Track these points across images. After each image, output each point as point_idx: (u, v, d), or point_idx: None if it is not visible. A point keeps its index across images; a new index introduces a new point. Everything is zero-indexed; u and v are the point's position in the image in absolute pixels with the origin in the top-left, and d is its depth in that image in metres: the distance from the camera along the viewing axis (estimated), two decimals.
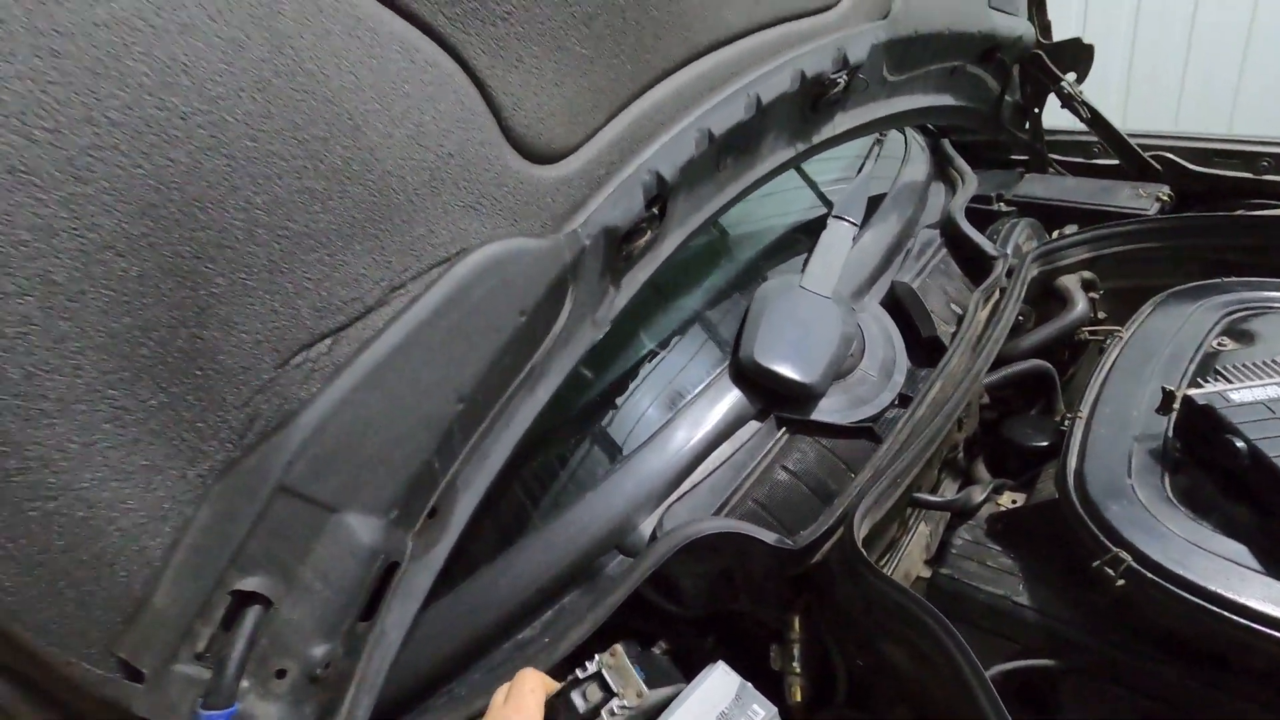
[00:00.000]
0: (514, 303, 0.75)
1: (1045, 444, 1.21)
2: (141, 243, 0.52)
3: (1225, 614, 0.75)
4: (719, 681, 0.91)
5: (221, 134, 0.55)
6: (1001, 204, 1.68)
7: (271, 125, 0.58)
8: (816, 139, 1.25)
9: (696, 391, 1.10)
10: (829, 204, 1.47)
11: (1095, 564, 0.84)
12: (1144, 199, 1.55)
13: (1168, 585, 0.79)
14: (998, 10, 1.47)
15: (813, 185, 1.57)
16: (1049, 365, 1.28)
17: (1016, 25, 1.53)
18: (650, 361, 1.17)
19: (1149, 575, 0.80)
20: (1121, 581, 0.82)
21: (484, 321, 0.72)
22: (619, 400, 1.11)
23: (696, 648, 1.05)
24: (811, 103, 1.17)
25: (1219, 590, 0.76)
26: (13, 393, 0.46)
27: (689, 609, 1.03)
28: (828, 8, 1.18)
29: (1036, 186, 1.69)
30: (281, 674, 0.58)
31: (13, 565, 0.46)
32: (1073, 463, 0.96)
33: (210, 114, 0.54)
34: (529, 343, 0.80)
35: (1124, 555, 0.82)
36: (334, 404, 0.61)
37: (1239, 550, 0.80)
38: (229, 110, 0.55)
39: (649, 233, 0.93)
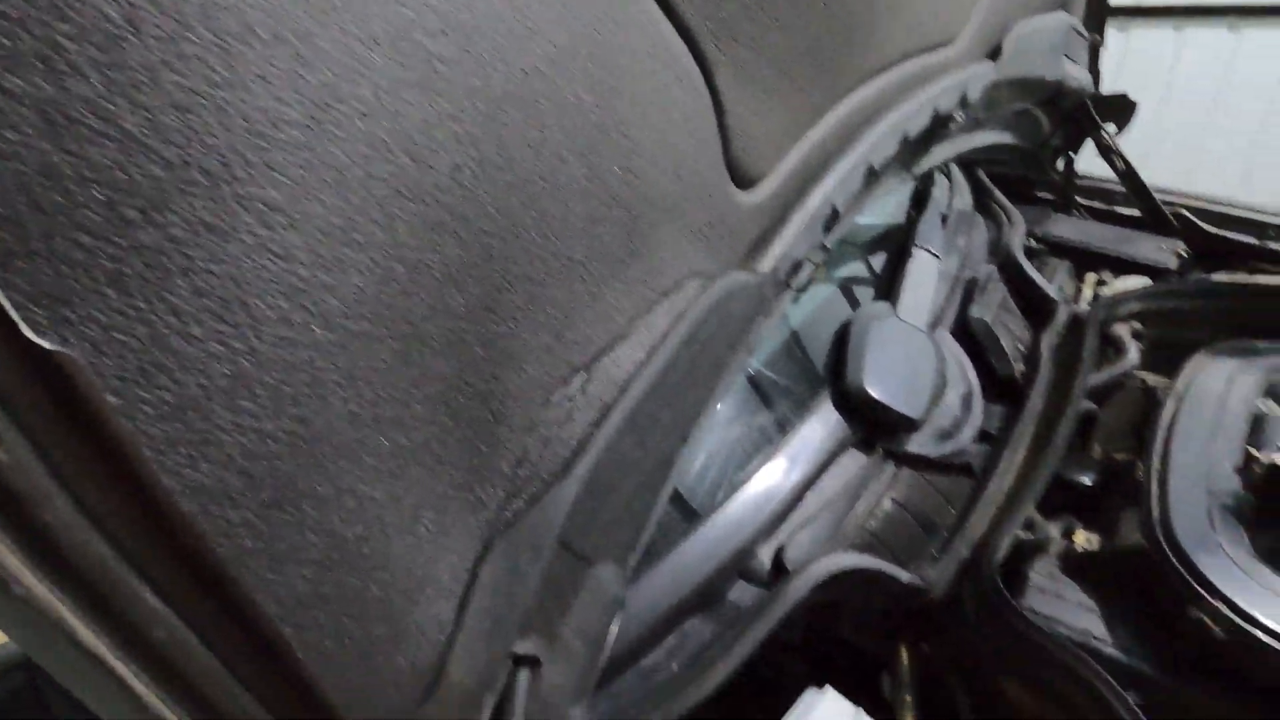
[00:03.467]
0: (730, 337, 0.72)
1: (1092, 481, 1.30)
2: (471, 274, 0.45)
3: None
4: (831, 707, 0.94)
5: (541, 152, 0.49)
6: (1032, 240, 1.76)
7: (575, 144, 0.52)
8: (917, 169, 1.26)
9: (801, 418, 1.10)
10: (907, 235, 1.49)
11: (1193, 612, 0.91)
12: (1165, 253, 1.67)
13: (1264, 637, 0.87)
14: (1068, 58, 1.53)
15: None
16: (1095, 407, 1.37)
17: (1080, 75, 1.59)
18: (755, 384, 1.16)
19: (1248, 628, 0.88)
20: (1222, 634, 0.89)
21: (710, 357, 0.69)
22: (729, 423, 1.09)
23: (789, 667, 1.07)
24: (929, 138, 1.18)
25: None
26: (367, 452, 0.39)
27: (790, 634, 1.04)
28: (949, 42, 1.18)
29: (1066, 229, 1.78)
30: None
31: (345, 650, 0.40)
32: (1156, 512, 1.04)
33: (537, 131, 0.48)
34: (719, 380, 0.78)
35: (1225, 611, 0.90)
36: (601, 451, 0.57)
37: None
38: (550, 126, 0.49)
39: (817, 265, 0.91)
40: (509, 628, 0.51)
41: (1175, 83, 3.15)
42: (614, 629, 0.67)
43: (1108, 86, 1.80)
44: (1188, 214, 1.72)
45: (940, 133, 1.18)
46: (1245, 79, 3.08)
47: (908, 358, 1.16)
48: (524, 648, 0.52)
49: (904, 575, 0.92)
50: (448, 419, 0.45)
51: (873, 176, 0.95)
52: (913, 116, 1.03)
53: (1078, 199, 1.88)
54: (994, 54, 1.28)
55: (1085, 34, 1.59)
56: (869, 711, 0.91)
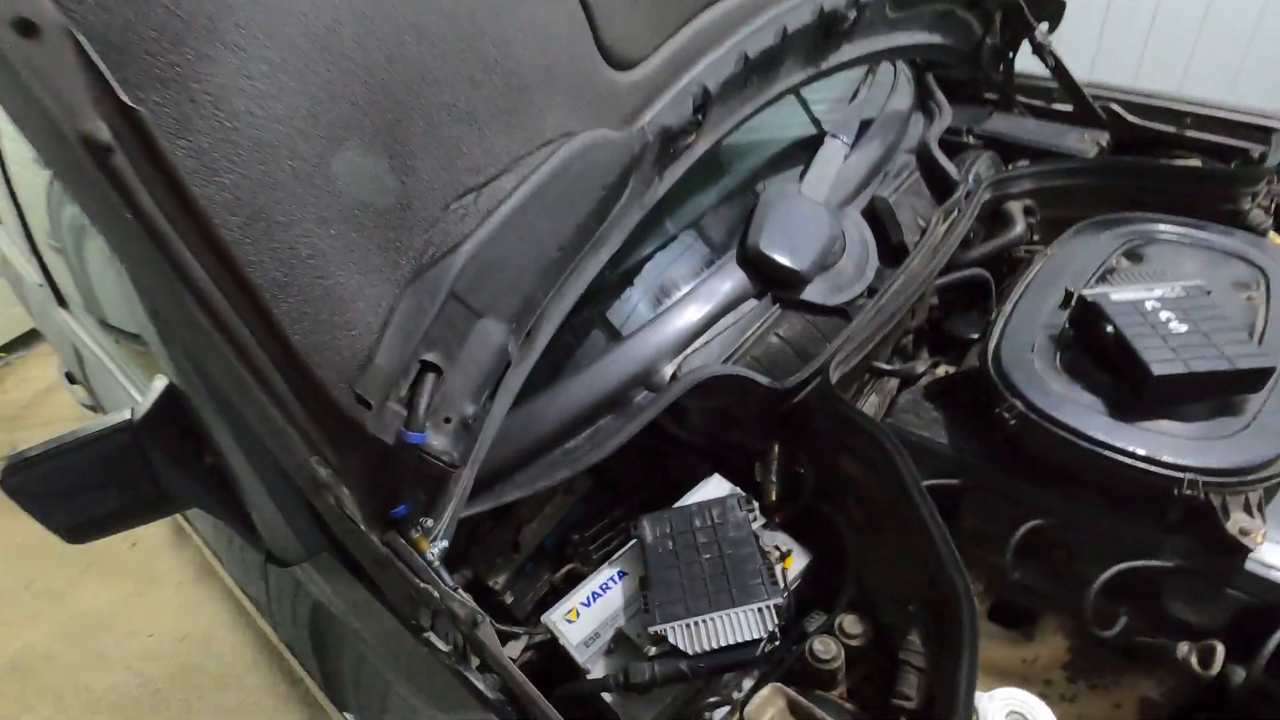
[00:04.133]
0: (598, 179, 0.98)
1: (975, 335, 1.52)
2: (375, 108, 0.73)
3: (1080, 442, 1.07)
4: (715, 486, 1.23)
5: (424, 30, 0.76)
6: (970, 137, 1.93)
7: (453, 26, 0.79)
8: (824, 65, 1.47)
9: (711, 270, 1.36)
10: (819, 124, 1.70)
11: (996, 410, 1.16)
12: (1086, 144, 1.82)
13: (1043, 423, 1.11)
14: None
15: (806, 107, 1.79)
16: (988, 274, 1.58)
17: None
18: (676, 243, 1.42)
19: (1032, 416, 1.12)
20: (1014, 421, 1.14)
21: (578, 191, 0.96)
22: (650, 271, 1.36)
23: (696, 467, 1.36)
24: (825, 33, 1.38)
25: (1076, 425, 1.08)
26: (309, 203, 0.69)
27: (693, 436, 1.33)
28: None
29: (1001, 124, 1.94)
30: (447, 420, 0.84)
31: (305, 321, 0.71)
32: (993, 343, 1.27)
33: (417, 15, 0.75)
34: (601, 213, 1.04)
35: (1016, 403, 1.14)
36: (484, 238, 0.85)
37: (1096, 402, 1.12)
38: (431, 11, 0.76)
39: (692, 135, 1.16)
40: (416, 342, 0.80)
41: None
42: (513, 376, 0.97)
43: None
44: (1116, 107, 1.86)
45: (836, 29, 1.38)
46: None
47: (803, 225, 1.40)
48: (430, 357, 0.82)
49: (764, 380, 1.19)
50: (365, 198, 0.74)
51: (748, 63, 1.18)
52: (792, 11, 1.24)
53: (1020, 98, 2.02)
54: None
55: None
56: (745, 490, 1.21)
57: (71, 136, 0.53)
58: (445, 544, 0.89)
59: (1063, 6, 1.83)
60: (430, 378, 0.82)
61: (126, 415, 1.07)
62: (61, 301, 2.07)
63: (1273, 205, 1.56)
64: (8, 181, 1.95)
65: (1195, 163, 1.68)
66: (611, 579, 1.13)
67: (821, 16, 1.30)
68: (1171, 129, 1.80)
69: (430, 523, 0.87)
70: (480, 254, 0.85)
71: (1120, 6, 3.15)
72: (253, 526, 1.19)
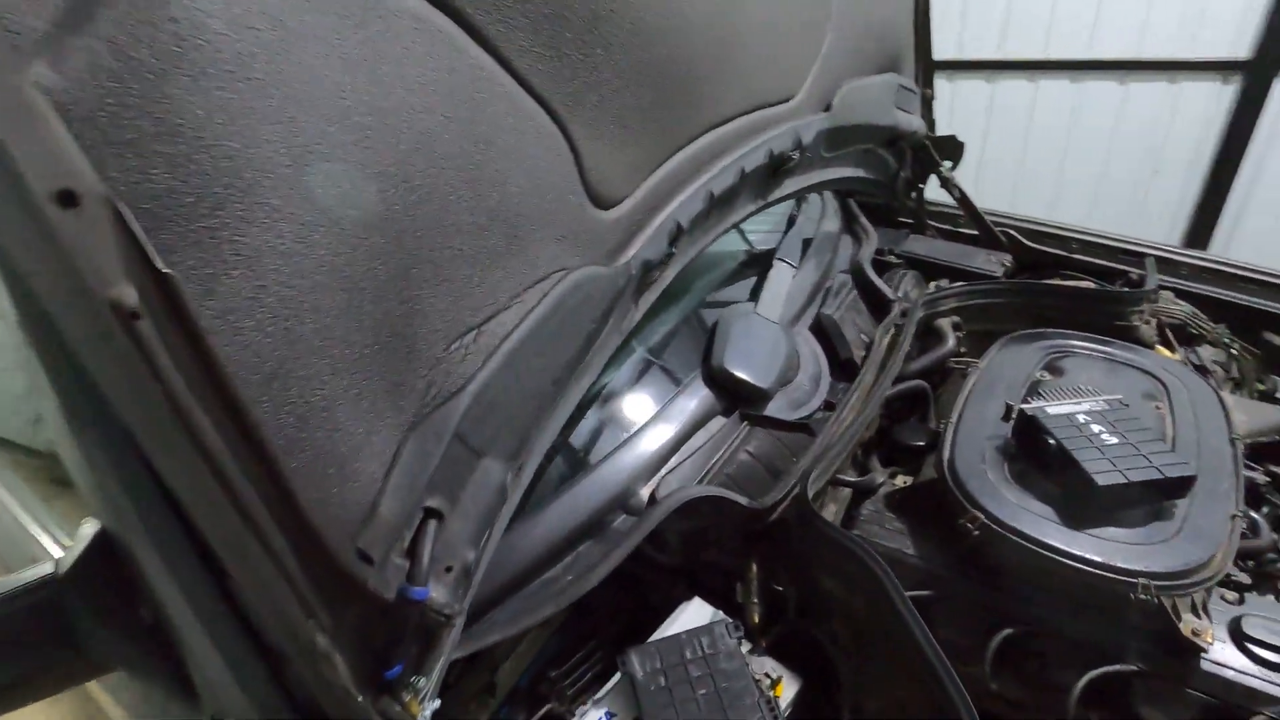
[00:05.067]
0: (588, 313, 1.01)
1: (923, 443, 1.62)
2: (390, 258, 0.74)
3: (1041, 551, 1.14)
4: (696, 610, 1.21)
5: (436, 183, 0.78)
6: (893, 256, 2.12)
7: (462, 178, 0.81)
8: (772, 197, 1.59)
9: (678, 390, 1.39)
10: (752, 248, 1.83)
11: (960, 521, 1.22)
12: (993, 264, 2.04)
13: (1005, 533, 1.17)
14: (901, 110, 1.90)
15: (743, 235, 1.92)
16: (927, 384, 1.70)
17: (913, 121, 1.97)
18: (633, 365, 1.46)
19: (994, 527, 1.19)
20: (977, 532, 1.20)
21: (571, 325, 0.98)
22: (622, 393, 1.38)
23: (671, 590, 1.34)
24: (773, 172, 1.51)
25: (1035, 535, 1.15)
26: (327, 355, 0.67)
27: (670, 557, 1.32)
28: (789, 99, 1.53)
29: (918, 246, 2.15)
30: (449, 569, 0.80)
31: (315, 478, 0.67)
32: (946, 454, 1.35)
33: (432, 171, 0.77)
34: (588, 344, 1.06)
35: (979, 515, 1.21)
36: (487, 377, 0.85)
37: (1049, 510, 1.20)
38: (443, 166, 0.78)
39: (666, 266, 1.22)
40: (420, 488, 0.77)
41: (992, 125, 3.73)
42: (505, 513, 0.94)
43: (946, 127, 2.20)
44: (1013, 232, 2.11)
45: (783, 168, 1.52)
46: (1045, 121, 3.70)
47: (762, 343, 1.47)
48: (432, 503, 0.79)
49: (743, 500, 1.21)
50: (376, 344, 0.73)
51: (712, 200, 1.27)
52: (749, 154, 1.36)
53: (930, 222, 2.26)
54: (828, 107, 1.63)
55: (914, 89, 1.98)
56: (727, 613, 1.19)
57: (100, 302, 0.50)
58: (437, 704, 0.83)
59: (961, 148, 2.09)
60: (433, 525, 0.79)
61: (46, 569, 0.96)
62: None
63: (1154, 323, 1.78)
64: None
65: (1089, 284, 1.91)
66: None
67: (772, 158, 1.43)
68: (1062, 252, 2.05)
69: (422, 682, 0.81)
70: (483, 394, 0.84)
71: (995, 140, 3.67)
72: (192, 689, 1.05)
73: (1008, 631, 1.15)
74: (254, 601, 0.68)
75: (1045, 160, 3.65)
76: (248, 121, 0.58)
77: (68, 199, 0.48)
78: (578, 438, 1.33)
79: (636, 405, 1.38)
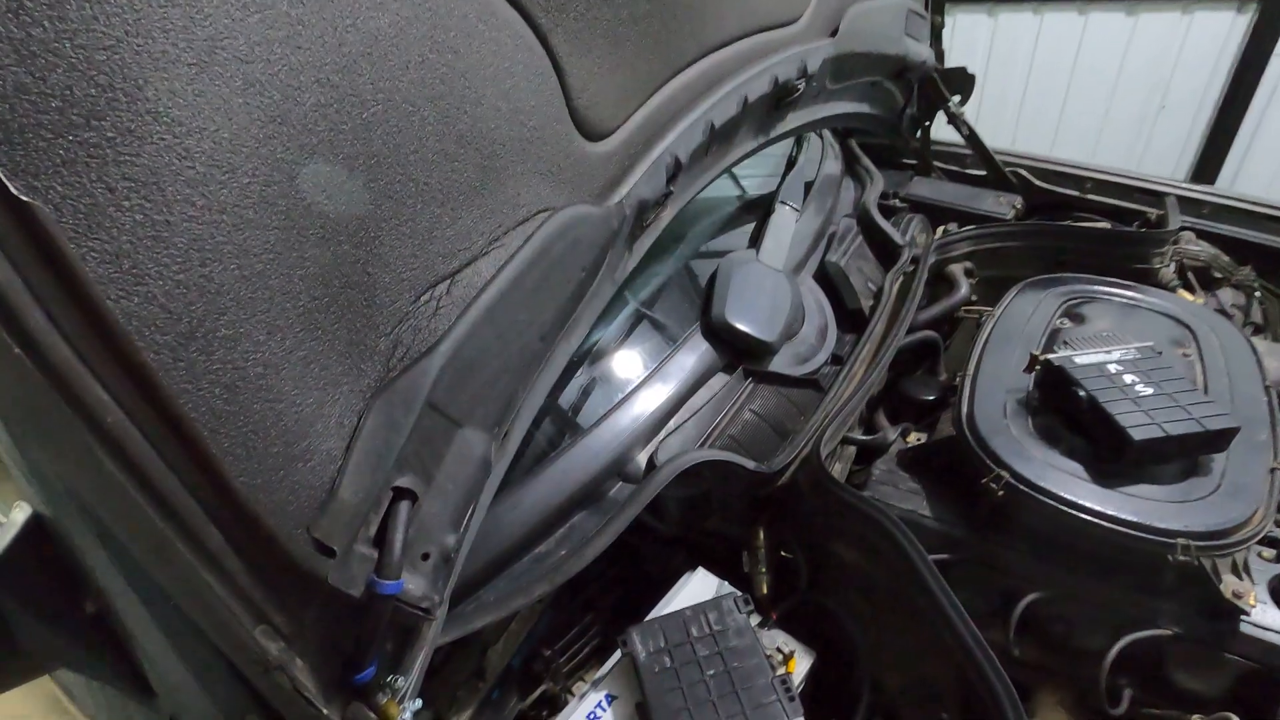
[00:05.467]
0: (579, 259, 0.89)
1: (933, 397, 1.52)
2: (337, 190, 0.60)
3: (1071, 511, 1.06)
4: (701, 581, 1.12)
5: (392, 99, 0.64)
6: (897, 200, 2.00)
7: (423, 94, 0.68)
8: (773, 133, 1.46)
9: (676, 346, 1.28)
10: (745, 194, 1.70)
11: (983, 480, 1.13)
12: (1003, 206, 1.92)
13: (1032, 493, 1.09)
14: (910, 37, 1.75)
15: (735, 179, 1.78)
16: (937, 335, 1.59)
17: (922, 51, 1.82)
18: (624, 319, 1.33)
19: (1021, 487, 1.10)
20: (1001, 492, 1.11)
21: (560, 274, 0.86)
22: (615, 349, 1.26)
23: (671, 560, 1.25)
24: (776, 103, 1.37)
25: (1065, 494, 1.07)
26: (259, 310, 0.54)
27: (670, 526, 1.22)
28: (793, 21, 1.38)
29: (923, 188, 2.02)
30: (426, 556, 0.69)
31: (253, 458, 0.55)
32: (964, 409, 1.26)
33: (385, 83, 0.63)
34: (579, 295, 0.94)
35: (1004, 474, 1.12)
36: (462, 336, 0.72)
37: (1077, 467, 1.12)
38: (399, 80, 0.64)
39: (662, 206, 1.09)
40: (388, 465, 0.66)
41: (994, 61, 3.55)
42: (489, 488, 0.83)
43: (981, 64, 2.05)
44: (1024, 172, 1.98)
45: (786, 100, 1.37)
46: (1049, 58, 3.53)
47: (765, 293, 1.36)
48: (404, 482, 0.68)
49: (750, 464, 1.11)
50: (325, 296, 0.60)
51: (713, 132, 1.13)
52: (751, 82, 1.22)
53: (936, 163, 2.13)
54: (834, 33, 1.48)
55: (924, 15, 1.82)
56: (733, 584, 1.11)
57: None
58: (419, 704, 0.73)
59: (972, 81, 1.95)
60: (404, 507, 0.67)
61: None
62: None
63: (1174, 265, 1.68)
64: None
65: (1105, 225, 1.80)
66: (600, 705, 0.98)
67: (776, 86, 1.29)
68: (1075, 193, 1.93)
69: (400, 681, 0.71)
70: (459, 354, 0.72)
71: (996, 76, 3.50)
72: (148, 688, 0.95)
73: (1033, 596, 1.08)
74: (189, 610, 0.56)
75: (1048, 96, 3.50)
76: (129, 0, 0.44)
77: None
78: (567, 399, 1.21)
79: (631, 363, 1.27)
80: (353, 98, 0.60)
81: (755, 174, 1.77)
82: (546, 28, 0.81)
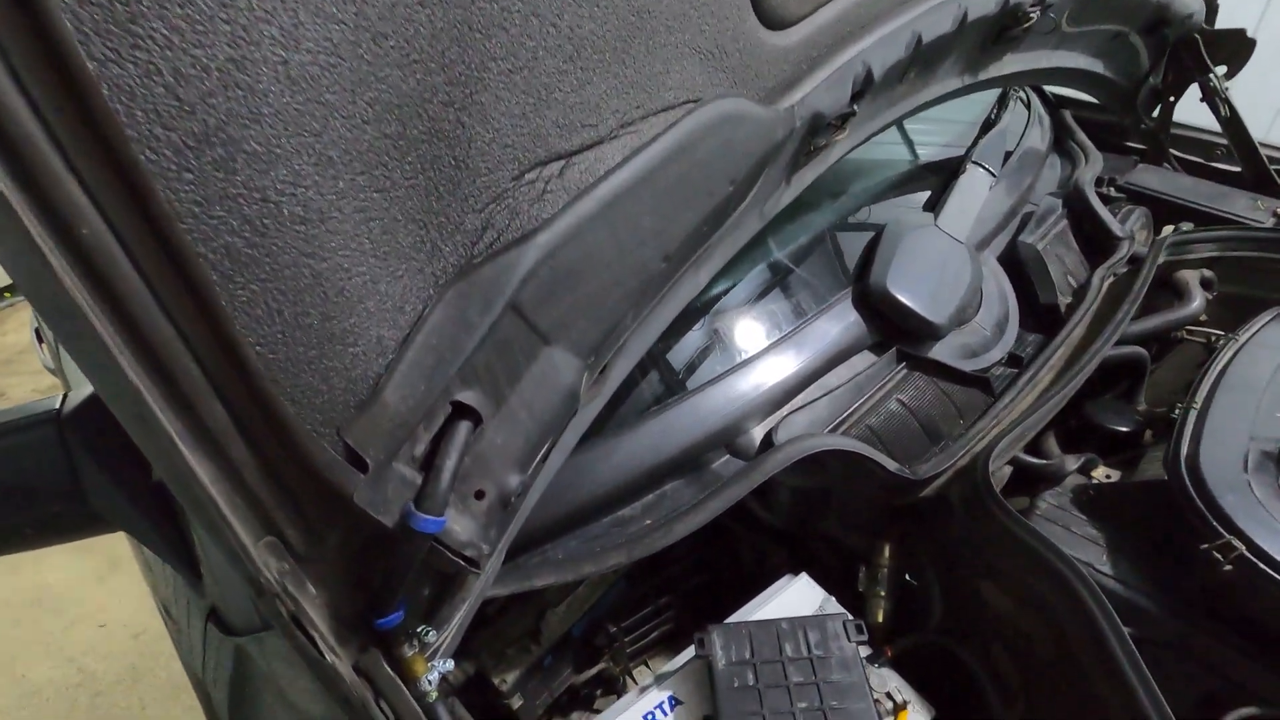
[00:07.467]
0: (729, 168, 0.70)
1: (1128, 429, 1.22)
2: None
3: None
4: (801, 591, 0.93)
5: None
6: (1112, 188, 1.64)
7: None
8: (983, 75, 1.19)
9: (818, 310, 1.07)
10: (914, 150, 1.42)
11: (1204, 546, 0.86)
12: (1261, 211, 1.52)
13: (1274, 574, 0.81)
14: None
15: (909, 142, 1.50)
16: (1145, 354, 1.28)
17: (1191, 2, 1.45)
18: (777, 270, 1.14)
19: (1258, 563, 0.82)
20: (1228, 566, 0.83)
21: (702, 180, 0.68)
22: (744, 302, 1.08)
23: (770, 556, 1.07)
24: (998, 32, 1.10)
25: None
26: (306, 128, 0.41)
27: (777, 518, 1.04)
28: None
29: (1151, 178, 1.65)
30: (480, 495, 0.56)
31: (277, 324, 0.43)
32: (1184, 449, 0.97)
33: None
34: (719, 216, 0.76)
35: (1236, 542, 0.84)
36: (568, 230, 0.57)
37: None
38: None
39: (838, 131, 0.88)
40: (450, 369, 0.52)
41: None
42: (573, 428, 0.68)
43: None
44: None
45: (1011, 30, 1.10)
46: None
47: (940, 266, 1.11)
48: (467, 398, 0.54)
49: (890, 464, 0.89)
50: (402, 139, 0.46)
51: (918, 48, 0.90)
52: None
53: (1172, 150, 1.73)
54: None
55: None
56: (840, 602, 0.91)
57: None
58: (449, 665, 0.60)
59: (1250, 48, 1.54)
60: (463, 428, 0.54)
61: (53, 404, 0.84)
62: None
63: None
64: None
65: None
66: (661, 707, 0.83)
67: (1005, 8, 1.02)
68: None
69: (431, 634, 0.59)
70: (561, 251, 0.57)
71: None
72: (199, 573, 0.91)
73: (1248, 712, 0.81)
74: (183, 500, 0.46)
75: None
76: None
77: None
78: (681, 351, 1.04)
79: (761, 320, 1.08)
80: None
81: (932, 141, 1.49)
82: None
